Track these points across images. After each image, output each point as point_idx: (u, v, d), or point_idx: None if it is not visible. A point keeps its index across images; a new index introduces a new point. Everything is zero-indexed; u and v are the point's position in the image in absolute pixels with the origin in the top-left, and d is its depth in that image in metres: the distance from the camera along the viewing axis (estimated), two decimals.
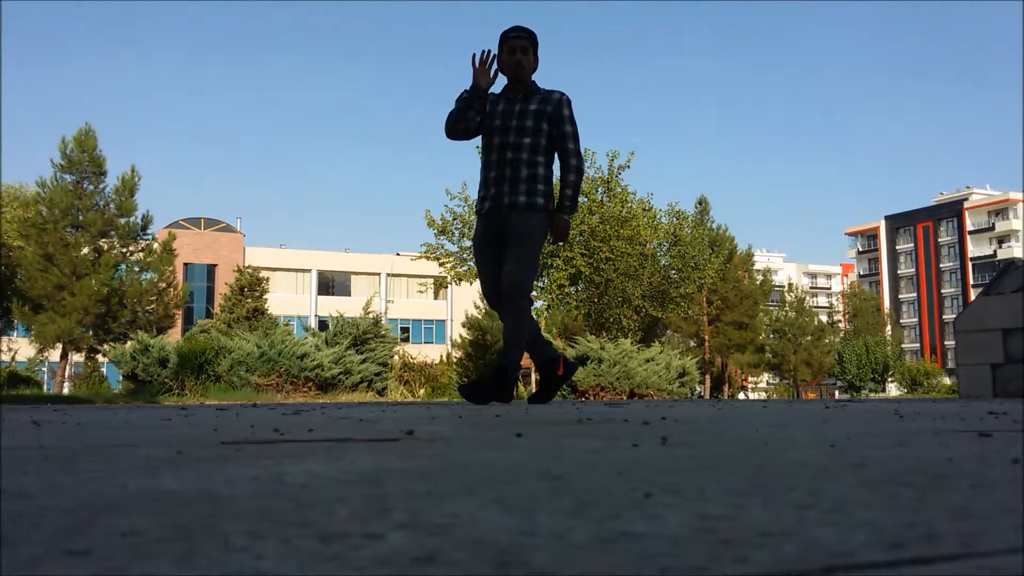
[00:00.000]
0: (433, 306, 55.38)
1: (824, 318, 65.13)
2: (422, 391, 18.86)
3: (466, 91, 4.86)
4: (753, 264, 50.62)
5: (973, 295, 77.46)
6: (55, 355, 26.58)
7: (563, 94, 4.92)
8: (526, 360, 5.95)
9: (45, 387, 29.42)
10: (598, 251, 22.93)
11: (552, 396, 5.03)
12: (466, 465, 1.23)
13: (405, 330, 53.52)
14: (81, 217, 23.95)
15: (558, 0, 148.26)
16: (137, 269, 24.71)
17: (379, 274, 56.70)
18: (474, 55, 4.84)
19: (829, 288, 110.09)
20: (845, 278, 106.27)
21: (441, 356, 27.45)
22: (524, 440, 1.75)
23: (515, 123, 4.80)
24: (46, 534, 0.68)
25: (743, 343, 45.58)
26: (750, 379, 56.96)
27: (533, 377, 23.08)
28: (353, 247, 79.44)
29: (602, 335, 19.32)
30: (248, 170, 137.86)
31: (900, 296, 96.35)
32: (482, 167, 4.96)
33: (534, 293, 24.00)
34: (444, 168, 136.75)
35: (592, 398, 13.52)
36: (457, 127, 4.90)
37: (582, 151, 4.95)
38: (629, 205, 23.58)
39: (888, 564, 0.58)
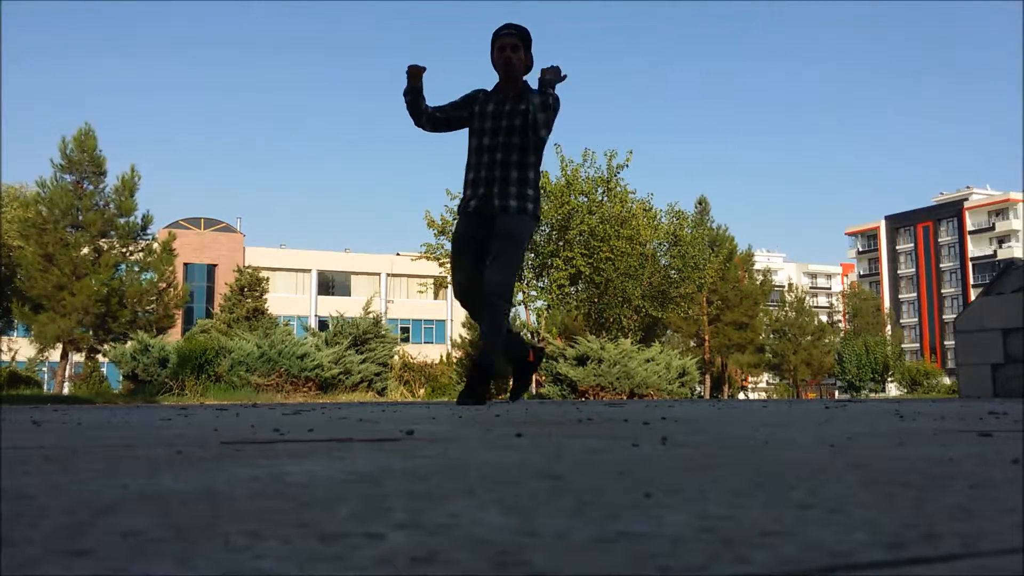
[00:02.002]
0: (433, 306, 55.37)
1: (824, 318, 65.12)
2: (422, 391, 18.86)
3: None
4: (753, 264, 50.60)
5: (973, 295, 77.46)
6: (55, 355, 26.57)
7: (555, 95, 4.86)
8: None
9: (45, 387, 29.41)
10: (598, 251, 22.92)
11: (527, 384, 4.97)
12: (466, 465, 1.23)
13: (405, 330, 53.51)
14: (81, 217, 23.93)
15: (559, 0, 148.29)
16: (137, 269, 24.70)
17: (379, 274, 56.68)
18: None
19: (829, 288, 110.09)
20: (845, 278, 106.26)
21: (441, 356, 27.44)
22: (524, 440, 1.75)
23: (504, 123, 4.77)
24: (46, 534, 0.68)
25: (743, 343, 45.56)
26: (750, 379, 56.93)
27: (534, 378, 23.07)
28: (353, 247, 79.54)
29: (602, 335, 19.31)
30: (248, 170, 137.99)
31: (900, 296, 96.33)
32: (469, 167, 4.90)
33: (534, 293, 24.01)
34: (444, 168, 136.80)
35: (592, 398, 13.52)
36: (416, 121, 4.97)
37: (550, 120, 4.77)
38: (629, 205, 23.58)
39: (888, 564, 0.58)
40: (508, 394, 5.15)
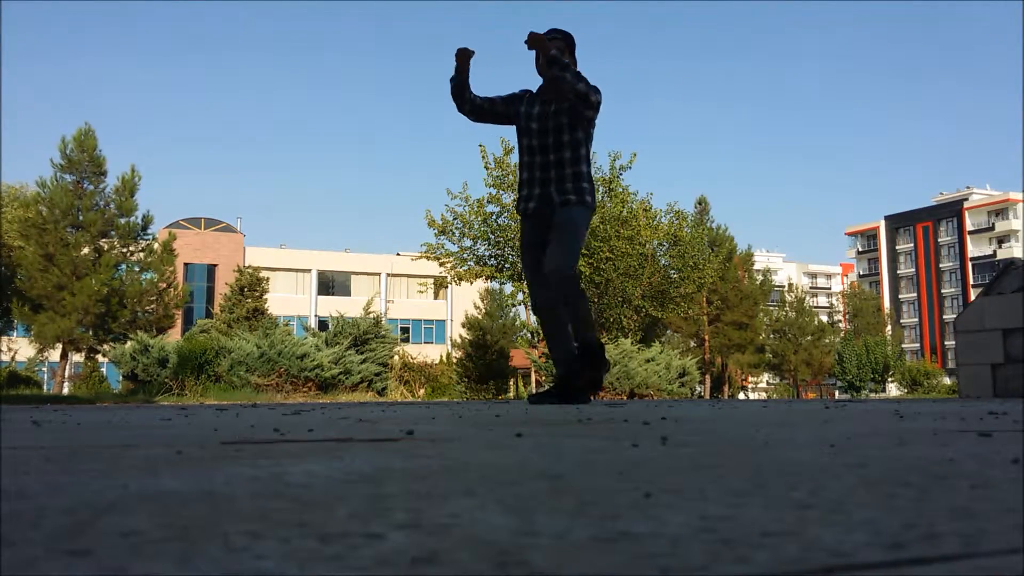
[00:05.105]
0: (433, 306, 55.37)
1: (824, 318, 65.13)
2: (422, 391, 18.85)
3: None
4: (753, 264, 50.60)
5: (973, 295, 77.45)
6: (55, 355, 26.57)
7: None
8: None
9: (45, 387, 29.40)
10: (598, 251, 22.93)
11: (556, 402, 4.95)
12: (466, 465, 1.23)
13: (405, 330, 53.51)
14: (81, 217, 23.94)
15: (559, 0, 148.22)
16: (137, 269, 24.70)
17: (379, 274, 56.67)
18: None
19: (829, 288, 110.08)
20: (845, 278, 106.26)
21: (441, 356, 27.46)
22: (524, 440, 1.75)
23: (552, 123, 4.86)
24: (46, 534, 0.68)
25: (743, 343, 45.54)
26: (750, 379, 56.94)
27: (534, 378, 23.04)
28: (353, 247, 79.54)
29: (602, 335, 19.31)
30: (248, 170, 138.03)
31: (900, 296, 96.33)
32: (523, 166, 4.99)
33: None
34: (444, 168, 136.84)
35: (592, 398, 13.50)
36: (459, 106, 4.98)
37: (586, 87, 4.80)
38: (629, 205, 23.59)
39: (888, 564, 0.58)
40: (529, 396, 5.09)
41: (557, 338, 4.96)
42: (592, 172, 5.06)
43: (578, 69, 4.97)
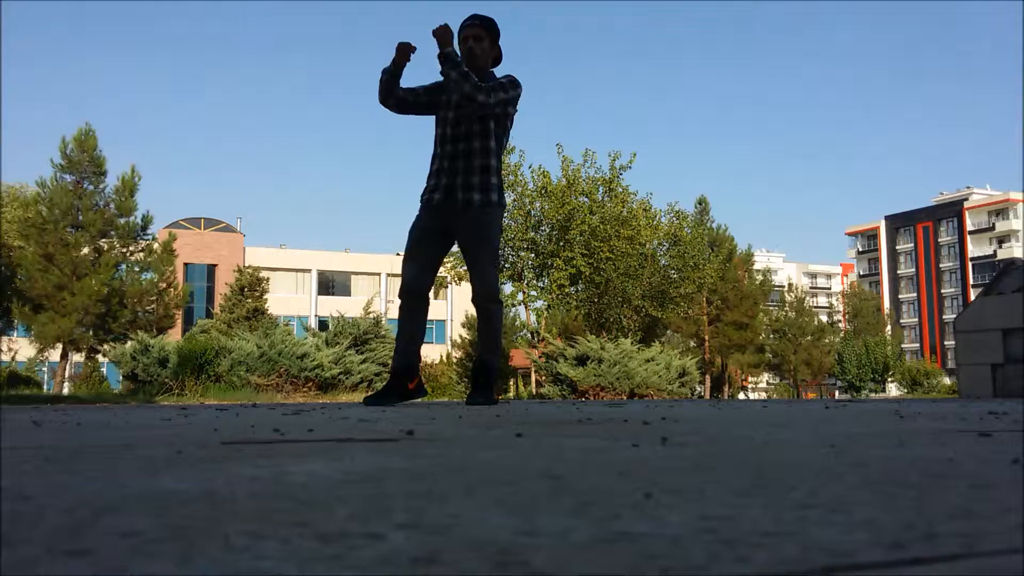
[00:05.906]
0: (433, 306, 54.84)
1: (824, 318, 65.14)
2: None
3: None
4: (753, 264, 50.60)
5: (973, 295, 77.46)
6: (55, 355, 26.56)
7: (509, 75, 4.85)
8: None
9: (45, 387, 29.41)
10: (598, 251, 22.94)
11: (390, 403, 4.67)
12: (466, 465, 1.23)
13: None
14: (81, 217, 23.94)
15: (560, 0, 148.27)
16: (137, 269, 24.70)
17: (379, 274, 56.67)
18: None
19: (829, 288, 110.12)
20: (845, 278, 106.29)
21: (441, 356, 27.41)
22: (524, 440, 1.75)
23: (464, 113, 4.76)
24: (46, 534, 0.68)
25: (743, 343, 45.54)
26: (750, 379, 56.94)
27: (534, 378, 23.06)
28: (353, 247, 79.45)
29: (602, 335, 19.30)
30: (248, 170, 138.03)
31: (900, 296, 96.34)
32: (434, 156, 4.90)
33: (534, 293, 24.00)
34: None
35: (592, 398, 13.51)
36: (383, 98, 4.91)
37: (493, 96, 4.70)
38: (629, 205, 23.60)
39: (888, 564, 0.58)
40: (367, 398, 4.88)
41: (407, 326, 4.85)
42: (501, 166, 4.94)
43: (499, 66, 4.92)
